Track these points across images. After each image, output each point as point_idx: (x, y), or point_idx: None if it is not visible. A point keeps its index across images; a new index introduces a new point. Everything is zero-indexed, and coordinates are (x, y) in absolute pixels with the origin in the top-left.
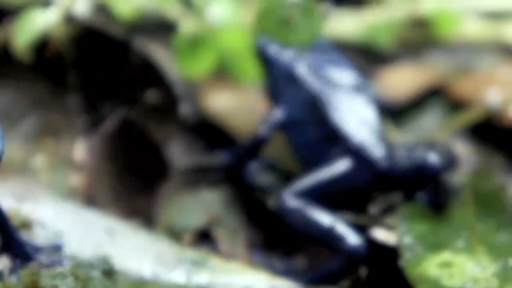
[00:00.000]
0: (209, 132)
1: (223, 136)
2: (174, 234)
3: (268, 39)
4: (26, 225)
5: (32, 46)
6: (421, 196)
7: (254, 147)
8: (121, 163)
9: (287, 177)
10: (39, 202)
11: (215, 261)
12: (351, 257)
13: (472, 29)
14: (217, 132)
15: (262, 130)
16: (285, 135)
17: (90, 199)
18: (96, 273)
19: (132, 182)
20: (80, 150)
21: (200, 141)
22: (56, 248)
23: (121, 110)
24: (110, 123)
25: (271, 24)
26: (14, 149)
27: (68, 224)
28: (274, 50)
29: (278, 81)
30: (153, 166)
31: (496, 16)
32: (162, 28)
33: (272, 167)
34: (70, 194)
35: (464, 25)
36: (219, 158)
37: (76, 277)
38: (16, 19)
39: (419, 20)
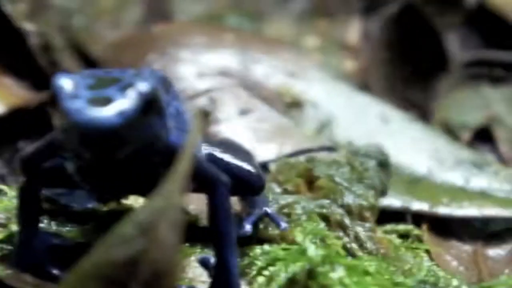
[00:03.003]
0: (489, 24)
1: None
2: (451, 131)
3: None
4: (297, 103)
5: None
6: None
7: None
8: (398, 51)
9: None
10: (311, 81)
11: (496, 165)
12: None
13: None
14: (497, 24)
15: None
16: None
17: (363, 84)
18: (371, 164)
19: (408, 71)
20: (355, 33)
21: (480, 34)
22: None
23: None
24: (391, 7)
25: None
26: (286, 27)
27: (341, 107)
28: None
29: None
30: (431, 56)
31: None
32: None
33: None
34: (343, 77)
35: None
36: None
37: (352, 167)
38: None
39: None
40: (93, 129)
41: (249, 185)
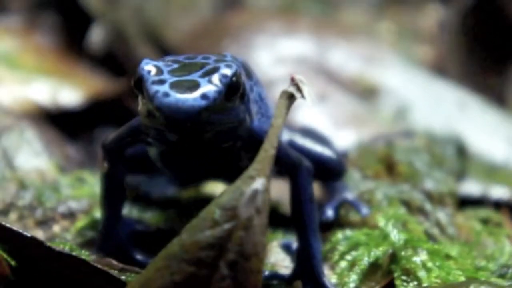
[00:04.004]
0: None
1: None
2: None
3: None
4: (373, 90)
5: None
6: None
7: None
8: (475, 38)
9: None
10: (387, 68)
11: None
12: None
13: None
14: None
15: None
16: None
17: (439, 71)
18: (449, 151)
19: (484, 58)
20: (429, 20)
21: None
22: None
23: None
24: None
25: None
26: (360, 14)
27: (417, 93)
28: None
29: None
30: (506, 43)
31: None
32: None
33: None
34: (418, 64)
35: None
36: None
37: (432, 154)
38: None
39: None
40: (178, 112)
41: (330, 170)
